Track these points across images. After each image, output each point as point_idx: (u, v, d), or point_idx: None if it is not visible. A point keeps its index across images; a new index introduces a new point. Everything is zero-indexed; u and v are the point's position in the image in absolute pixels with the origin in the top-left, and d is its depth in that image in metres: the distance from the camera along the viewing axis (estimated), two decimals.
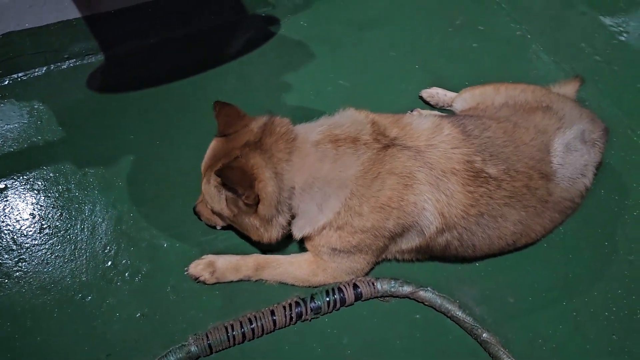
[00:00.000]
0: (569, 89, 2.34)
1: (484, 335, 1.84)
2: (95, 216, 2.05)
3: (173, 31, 2.69)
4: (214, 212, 1.85)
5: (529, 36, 2.91)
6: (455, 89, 2.55)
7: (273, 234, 1.75)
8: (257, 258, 1.92)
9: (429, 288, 1.92)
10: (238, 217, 1.73)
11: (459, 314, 1.88)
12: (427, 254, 1.92)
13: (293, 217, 1.76)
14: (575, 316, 1.94)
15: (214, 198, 1.74)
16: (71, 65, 2.54)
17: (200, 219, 1.97)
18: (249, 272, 1.90)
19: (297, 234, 1.80)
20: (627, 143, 2.46)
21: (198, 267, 1.90)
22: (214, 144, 1.78)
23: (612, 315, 1.94)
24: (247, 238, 1.93)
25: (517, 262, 2.04)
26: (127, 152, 2.25)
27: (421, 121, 1.83)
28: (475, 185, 1.73)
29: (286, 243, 1.99)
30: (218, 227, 1.98)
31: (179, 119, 2.38)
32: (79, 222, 2.03)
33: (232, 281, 1.91)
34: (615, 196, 2.26)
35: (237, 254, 1.95)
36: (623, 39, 2.93)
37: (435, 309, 1.92)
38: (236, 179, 1.57)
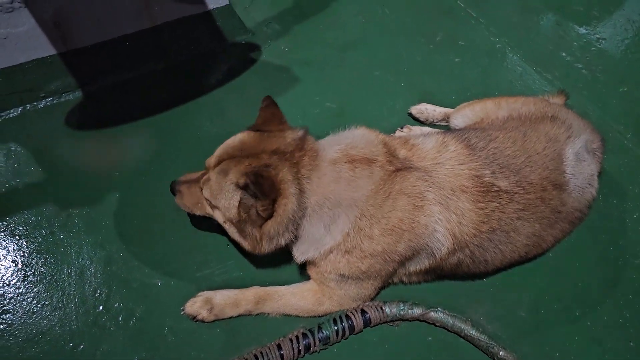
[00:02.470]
0: (557, 102, 2.34)
1: (500, 353, 1.77)
2: (82, 259, 1.94)
3: (151, 63, 2.62)
4: (210, 205, 1.73)
5: (509, 48, 2.93)
6: (442, 104, 2.54)
7: (267, 248, 1.66)
8: (257, 291, 1.83)
9: (439, 308, 1.85)
10: (241, 223, 1.63)
11: (473, 332, 1.81)
12: (436, 274, 1.86)
13: (295, 238, 1.68)
14: (590, 326, 1.89)
15: (223, 193, 1.62)
16: (48, 103, 2.44)
17: (174, 196, 1.83)
18: (249, 306, 1.80)
19: (299, 257, 1.72)
20: (618, 146, 2.46)
21: (195, 306, 1.80)
22: (243, 137, 1.67)
23: (626, 322, 1.90)
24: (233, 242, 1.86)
25: (525, 275, 1.99)
26: (112, 189, 2.15)
27: (426, 140, 1.79)
28: (486, 201, 1.68)
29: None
30: (195, 213, 1.85)
31: (162, 152, 2.30)
32: (66, 266, 1.91)
33: (231, 317, 1.81)
34: (614, 200, 2.24)
35: (235, 287, 1.86)
36: (601, 46, 2.98)
37: (447, 329, 1.85)
38: (266, 189, 1.50)
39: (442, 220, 1.66)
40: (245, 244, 1.70)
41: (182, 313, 1.82)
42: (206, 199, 1.73)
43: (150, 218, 2.08)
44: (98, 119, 2.40)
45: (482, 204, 1.68)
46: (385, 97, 2.63)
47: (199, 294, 1.84)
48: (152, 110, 2.45)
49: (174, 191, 1.84)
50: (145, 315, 1.82)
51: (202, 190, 1.73)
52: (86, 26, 2.50)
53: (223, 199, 1.64)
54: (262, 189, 1.50)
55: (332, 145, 1.69)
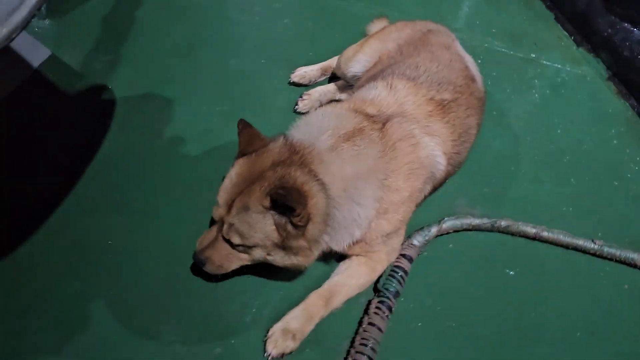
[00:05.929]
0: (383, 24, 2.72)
1: (502, 222, 2.14)
2: None
3: None
4: (244, 250, 1.67)
5: None
6: (307, 63, 2.68)
7: (316, 253, 1.69)
8: (320, 294, 1.81)
9: (445, 218, 2.12)
10: (287, 241, 1.60)
11: (477, 221, 2.14)
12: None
13: (333, 231, 1.71)
14: None
15: (255, 226, 1.58)
16: None
17: (203, 268, 1.73)
18: (322, 311, 1.79)
19: (344, 244, 1.76)
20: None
21: (278, 343, 1.71)
22: (236, 170, 1.64)
23: None
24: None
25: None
26: None
27: (377, 91, 1.93)
28: (447, 115, 1.94)
29: None
30: (230, 270, 1.75)
31: None
32: None
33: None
34: None
35: (289, 306, 1.82)
36: None
37: (458, 230, 2.13)
38: (295, 197, 1.49)
39: (435, 146, 1.88)
40: (298, 261, 1.68)
41: (269, 359, 1.71)
42: (237, 246, 1.65)
43: (169, 300, 1.84)
44: None
45: (446, 118, 1.95)
46: (259, 80, 2.63)
47: (270, 332, 1.74)
48: None
49: (201, 262, 1.71)
50: None
51: (228, 241, 1.65)
52: None
53: (258, 231, 1.59)
54: (291, 199, 1.49)
55: (318, 136, 1.71)
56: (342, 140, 1.69)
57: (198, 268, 1.82)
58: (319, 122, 1.78)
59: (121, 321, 1.76)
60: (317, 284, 1.89)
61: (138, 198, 2.09)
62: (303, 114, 2.48)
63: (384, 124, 1.79)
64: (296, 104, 2.49)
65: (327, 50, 2.78)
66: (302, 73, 2.62)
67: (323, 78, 2.68)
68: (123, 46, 2.67)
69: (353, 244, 1.79)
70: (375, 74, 2.15)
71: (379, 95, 1.92)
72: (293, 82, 2.61)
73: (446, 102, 1.96)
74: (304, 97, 2.50)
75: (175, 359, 1.69)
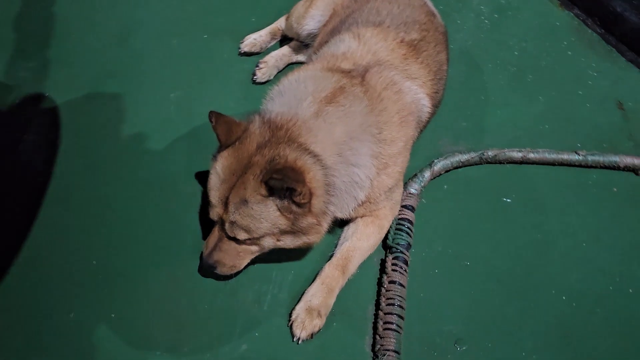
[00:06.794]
0: None
1: (489, 153, 2.12)
2: None
3: None
4: (252, 242, 1.57)
5: None
6: (252, 30, 2.52)
7: (326, 225, 1.60)
8: (335, 263, 1.73)
9: (434, 160, 2.08)
10: (296, 222, 1.51)
11: (465, 157, 2.11)
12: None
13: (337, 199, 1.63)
14: None
15: (259, 216, 1.48)
16: None
17: (216, 272, 1.63)
18: (340, 281, 1.73)
19: (349, 209, 1.67)
20: None
21: (305, 324, 1.64)
22: (222, 163, 1.53)
23: None
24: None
25: None
26: None
27: (347, 44, 1.83)
28: (419, 54, 1.87)
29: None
30: (242, 267, 1.67)
31: None
32: None
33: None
34: None
35: (305, 285, 1.75)
36: None
37: (451, 169, 2.10)
38: (291, 177, 1.39)
39: (418, 89, 1.81)
40: (309, 239, 1.58)
41: (298, 343, 1.63)
42: (245, 241, 1.56)
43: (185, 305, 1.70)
44: None
45: (420, 59, 1.87)
46: (208, 56, 2.45)
47: (293, 315, 1.66)
48: None
49: (211, 267, 1.61)
50: None
51: (233, 238, 1.56)
52: None
53: (263, 222, 1.50)
54: (288, 180, 1.39)
55: (298, 105, 1.59)
56: (325, 104, 1.58)
57: (202, 269, 1.71)
58: (294, 90, 1.65)
59: (131, 342, 1.61)
60: (325, 256, 1.83)
61: (113, 209, 1.91)
62: (263, 83, 2.36)
63: (363, 77, 1.69)
64: (254, 74, 2.34)
65: (269, 14, 2.63)
66: (252, 41, 2.46)
67: (273, 42, 2.53)
68: (47, 48, 2.39)
69: (358, 206, 1.71)
70: (335, 27, 2.04)
71: (349, 48, 1.81)
72: (244, 52, 2.45)
73: (416, 42, 1.89)
74: (261, 65, 2.35)
75: None
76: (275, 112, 1.57)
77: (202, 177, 1.98)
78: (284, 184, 1.39)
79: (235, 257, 1.61)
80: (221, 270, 1.62)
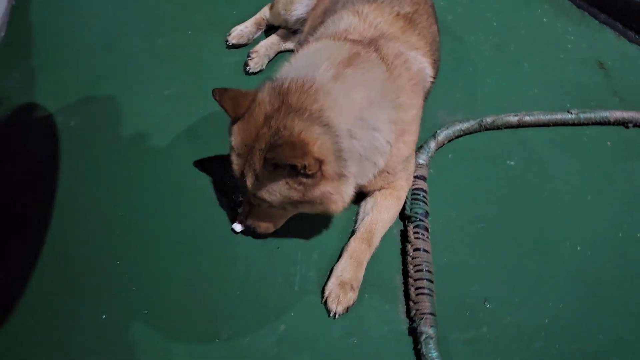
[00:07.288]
0: None
1: (487, 119, 2.18)
2: None
3: None
4: (278, 207, 1.58)
5: None
6: (235, 23, 2.51)
7: (348, 192, 1.57)
8: (360, 237, 1.75)
9: (437, 131, 2.12)
10: (308, 193, 1.49)
11: (466, 125, 2.17)
12: None
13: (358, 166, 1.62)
14: None
15: (271, 190, 1.50)
16: None
17: (256, 233, 1.75)
18: (367, 253, 1.74)
19: (369, 175, 1.67)
20: None
21: (340, 297, 1.65)
22: (235, 138, 1.54)
23: None
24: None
25: None
26: None
27: (347, 21, 1.84)
28: (415, 27, 1.90)
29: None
30: (280, 224, 1.74)
31: None
32: None
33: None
34: None
35: (332, 260, 1.76)
36: None
37: (453, 139, 2.15)
38: (290, 155, 1.37)
39: (422, 58, 1.84)
40: (327, 208, 1.56)
41: (335, 317, 1.64)
42: (270, 208, 1.59)
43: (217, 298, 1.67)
44: None
45: (417, 30, 1.91)
46: (196, 52, 2.43)
47: (326, 292, 1.67)
48: None
49: (250, 229, 1.75)
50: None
51: (264, 202, 1.57)
52: None
53: (276, 194, 1.52)
54: (289, 156, 1.38)
55: (315, 69, 1.56)
56: (344, 67, 1.56)
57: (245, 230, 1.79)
58: (309, 59, 1.63)
59: (169, 336, 1.58)
60: (345, 232, 1.84)
61: (124, 209, 1.87)
62: (255, 73, 2.36)
63: (375, 48, 1.71)
64: (246, 65, 2.34)
65: (249, 5, 2.63)
66: (239, 32, 2.45)
67: (259, 33, 2.53)
68: (30, 57, 2.32)
69: (376, 175, 1.72)
70: (328, 9, 2.05)
71: (351, 24, 1.82)
72: (232, 44, 2.44)
73: (410, 14, 1.92)
74: (252, 55, 2.35)
75: (243, 350, 1.57)
76: (291, 76, 1.53)
77: (208, 170, 1.98)
78: (285, 160, 1.38)
79: (268, 219, 1.69)
80: (260, 231, 1.72)
